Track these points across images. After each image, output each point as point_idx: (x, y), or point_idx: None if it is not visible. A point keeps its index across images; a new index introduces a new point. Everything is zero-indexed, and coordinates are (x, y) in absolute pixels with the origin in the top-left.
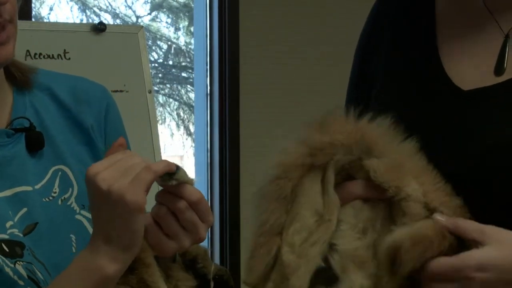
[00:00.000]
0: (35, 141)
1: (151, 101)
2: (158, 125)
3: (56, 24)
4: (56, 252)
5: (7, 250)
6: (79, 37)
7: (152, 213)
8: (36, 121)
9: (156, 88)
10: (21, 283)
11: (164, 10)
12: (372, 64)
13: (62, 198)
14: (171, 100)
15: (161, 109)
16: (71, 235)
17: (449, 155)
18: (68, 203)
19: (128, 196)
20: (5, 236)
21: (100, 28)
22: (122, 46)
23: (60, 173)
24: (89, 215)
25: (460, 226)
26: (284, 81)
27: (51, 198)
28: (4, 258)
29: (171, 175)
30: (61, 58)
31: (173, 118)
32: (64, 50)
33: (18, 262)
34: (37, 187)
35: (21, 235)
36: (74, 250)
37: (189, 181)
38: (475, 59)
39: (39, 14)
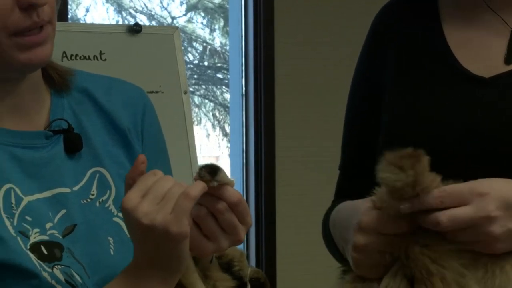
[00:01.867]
0: (73, 143)
1: (186, 102)
2: (194, 126)
3: (92, 25)
4: (95, 254)
5: (46, 253)
6: (115, 38)
7: (191, 214)
8: (74, 123)
9: (191, 89)
10: (59, 287)
11: (200, 11)
12: (376, 82)
13: (100, 200)
14: (206, 101)
15: (196, 110)
16: (109, 237)
17: (469, 135)
18: (106, 205)
19: (172, 228)
20: (45, 237)
21: (135, 29)
22: (158, 47)
23: (98, 175)
24: None
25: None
26: (320, 81)
27: (89, 200)
28: (41, 263)
29: (212, 177)
30: (97, 59)
31: (208, 119)
32: (100, 51)
33: (56, 266)
34: (75, 189)
35: (60, 237)
36: (112, 252)
37: (230, 183)
38: (483, 52)
39: (76, 15)
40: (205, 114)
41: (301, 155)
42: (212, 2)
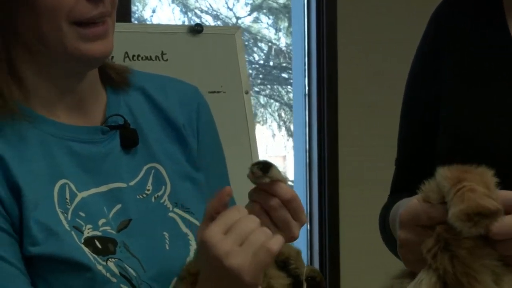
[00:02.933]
0: (129, 139)
1: (248, 102)
2: (260, 126)
3: (154, 25)
4: (150, 248)
5: (100, 247)
6: (176, 38)
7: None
8: (130, 119)
9: (256, 89)
10: (114, 280)
11: (265, 11)
12: (438, 78)
13: (156, 195)
14: (272, 101)
15: (262, 110)
16: (164, 233)
17: None
18: (161, 200)
19: (246, 277)
20: (98, 233)
21: (197, 29)
22: (220, 47)
23: (153, 171)
24: (181, 213)
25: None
26: (382, 80)
27: (144, 195)
28: (96, 256)
29: (264, 173)
30: (159, 60)
31: (274, 119)
32: (162, 51)
33: (110, 259)
34: (131, 184)
35: (114, 232)
36: (167, 247)
37: (283, 179)
38: None
39: (142, 16)
40: (270, 114)
41: (365, 154)
42: (276, 2)
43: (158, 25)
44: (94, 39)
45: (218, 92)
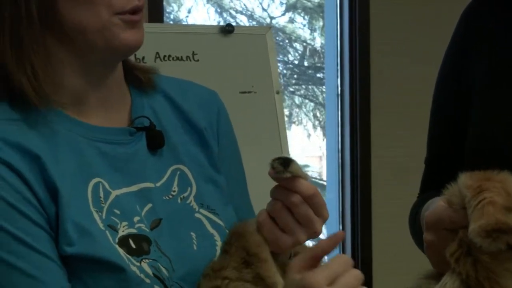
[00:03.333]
0: (155, 140)
1: (279, 102)
2: (295, 126)
3: (185, 26)
4: (179, 248)
5: (134, 247)
6: (207, 38)
7: (267, 208)
8: (155, 121)
9: (291, 89)
10: (148, 281)
11: (299, 11)
12: (468, 79)
13: (181, 196)
14: (307, 101)
15: (297, 110)
16: (191, 233)
17: None
18: (187, 201)
19: None
20: (133, 231)
21: (228, 29)
22: (250, 47)
23: (178, 172)
24: (207, 214)
25: None
26: (415, 80)
27: (170, 196)
28: (130, 257)
29: (285, 168)
30: (190, 60)
31: (309, 119)
32: (193, 51)
33: (144, 259)
34: (157, 184)
35: (148, 230)
36: (195, 248)
37: (303, 175)
38: None
39: (177, 17)
40: (305, 114)
41: (397, 154)
42: (311, 2)
43: (189, 25)
44: (132, 26)
45: (249, 92)
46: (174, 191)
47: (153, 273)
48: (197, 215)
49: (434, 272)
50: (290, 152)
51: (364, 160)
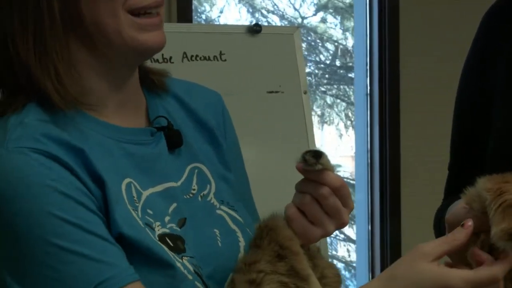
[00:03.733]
0: (174, 139)
1: (306, 102)
2: (327, 126)
3: (213, 25)
4: (205, 246)
5: (172, 244)
6: (235, 38)
7: (295, 202)
8: (170, 121)
9: (323, 89)
10: (190, 277)
11: (331, 11)
12: (490, 80)
13: (201, 194)
14: (338, 100)
15: (329, 110)
16: (215, 230)
17: None
18: (208, 199)
19: None
20: (167, 230)
21: (255, 29)
22: (278, 47)
23: (196, 170)
24: (228, 210)
25: None
26: (445, 80)
27: (191, 195)
28: (173, 254)
29: (317, 160)
30: (217, 60)
31: (341, 119)
32: (220, 51)
33: (184, 257)
34: (178, 183)
35: (179, 229)
36: (219, 244)
37: (331, 168)
38: None
39: (210, 17)
40: (337, 114)
41: (427, 155)
42: (342, 2)
43: (217, 25)
44: (150, 29)
45: (277, 92)
46: (194, 190)
47: (194, 270)
48: (218, 211)
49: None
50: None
51: (393, 160)
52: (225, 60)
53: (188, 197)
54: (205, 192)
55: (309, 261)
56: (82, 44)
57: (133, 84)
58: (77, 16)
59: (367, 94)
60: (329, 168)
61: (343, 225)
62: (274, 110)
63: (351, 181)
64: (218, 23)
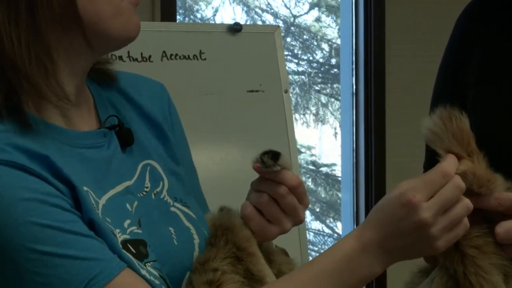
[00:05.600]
0: (126, 138)
1: (287, 101)
2: (321, 125)
3: (192, 24)
4: (161, 245)
5: (134, 251)
6: (215, 37)
7: (251, 201)
8: (121, 119)
9: (317, 88)
10: (157, 282)
11: (324, 10)
12: (464, 78)
13: (155, 192)
14: (333, 99)
15: (323, 109)
16: (170, 228)
17: None
18: (161, 196)
19: (439, 243)
20: (127, 237)
21: (236, 28)
22: (258, 46)
23: (149, 167)
24: (181, 207)
25: None
26: (431, 79)
27: (144, 193)
28: (138, 262)
29: (275, 161)
30: (197, 59)
31: (335, 118)
32: (200, 50)
33: (147, 263)
34: (132, 182)
35: (140, 231)
36: (176, 243)
37: (289, 167)
38: None
39: (205, 16)
40: (331, 113)
41: (412, 154)
42: (335, 0)
43: (197, 24)
44: (134, 12)
45: (257, 91)
46: (147, 187)
47: (159, 274)
48: (172, 209)
49: (427, 267)
50: (296, 151)
51: (378, 160)
52: (205, 59)
53: (141, 195)
54: (158, 190)
55: (265, 258)
56: (64, 32)
57: (85, 83)
58: (74, 12)
59: (352, 93)
60: (287, 167)
61: (300, 222)
62: (254, 110)
63: None
64: (214, 22)
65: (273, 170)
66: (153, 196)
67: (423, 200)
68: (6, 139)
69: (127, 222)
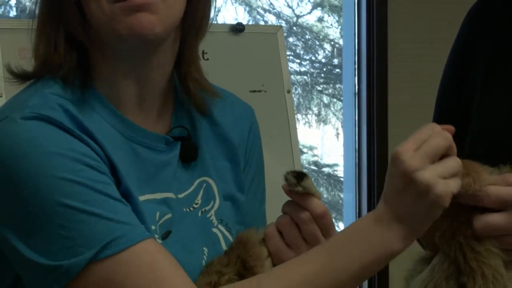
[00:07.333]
0: (189, 153)
1: (289, 101)
2: (323, 125)
3: None
4: (187, 263)
5: None
6: (217, 37)
7: (276, 221)
8: (190, 130)
9: (319, 88)
10: None
11: (327, 9)
12: (468, 83)
13: (203, 209)
14: (335, 100)
15: (326, 109)
16: (204, 248)
17: None
18: (208, 215)
19: (439, 189)
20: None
21: (238, 28)
22: (261, 46)
23: (204, 185)
24: (224, 231)
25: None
26: (434, 79)
27: (191, 208)
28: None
29: (298, 182)
30: (200, 59)
31: (338, 119)
32: (203, 51)
33: None
34: (180, 196)
35: (160, 241)
36: (203, 263)
37: (316, 194)
38: None
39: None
40: (333, 114)
41: None
42: (338, 0)
43: None
44: (134, 10)
45: (259, 91)
46: (197, 204)
47: None
48: (214, 230)
49: (428, 255)
50: (299, 152)
51: (380, 160)
52: (207, 59)
53: (188, 210)
54: (207, 208)
55: None
56: (97, 36)
57: (152, 82)
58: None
59: (355, 94)
60: (312, 192)
61: None
62: (256, 110)
63: None
64: (216, 21)
65: (295, 190)
66: (199, 214)
67: (409, 150)
68: (61, 102)
69: (153, 227)
